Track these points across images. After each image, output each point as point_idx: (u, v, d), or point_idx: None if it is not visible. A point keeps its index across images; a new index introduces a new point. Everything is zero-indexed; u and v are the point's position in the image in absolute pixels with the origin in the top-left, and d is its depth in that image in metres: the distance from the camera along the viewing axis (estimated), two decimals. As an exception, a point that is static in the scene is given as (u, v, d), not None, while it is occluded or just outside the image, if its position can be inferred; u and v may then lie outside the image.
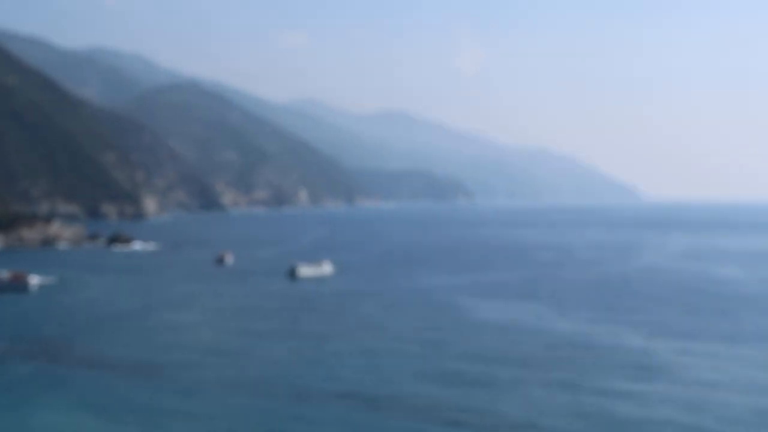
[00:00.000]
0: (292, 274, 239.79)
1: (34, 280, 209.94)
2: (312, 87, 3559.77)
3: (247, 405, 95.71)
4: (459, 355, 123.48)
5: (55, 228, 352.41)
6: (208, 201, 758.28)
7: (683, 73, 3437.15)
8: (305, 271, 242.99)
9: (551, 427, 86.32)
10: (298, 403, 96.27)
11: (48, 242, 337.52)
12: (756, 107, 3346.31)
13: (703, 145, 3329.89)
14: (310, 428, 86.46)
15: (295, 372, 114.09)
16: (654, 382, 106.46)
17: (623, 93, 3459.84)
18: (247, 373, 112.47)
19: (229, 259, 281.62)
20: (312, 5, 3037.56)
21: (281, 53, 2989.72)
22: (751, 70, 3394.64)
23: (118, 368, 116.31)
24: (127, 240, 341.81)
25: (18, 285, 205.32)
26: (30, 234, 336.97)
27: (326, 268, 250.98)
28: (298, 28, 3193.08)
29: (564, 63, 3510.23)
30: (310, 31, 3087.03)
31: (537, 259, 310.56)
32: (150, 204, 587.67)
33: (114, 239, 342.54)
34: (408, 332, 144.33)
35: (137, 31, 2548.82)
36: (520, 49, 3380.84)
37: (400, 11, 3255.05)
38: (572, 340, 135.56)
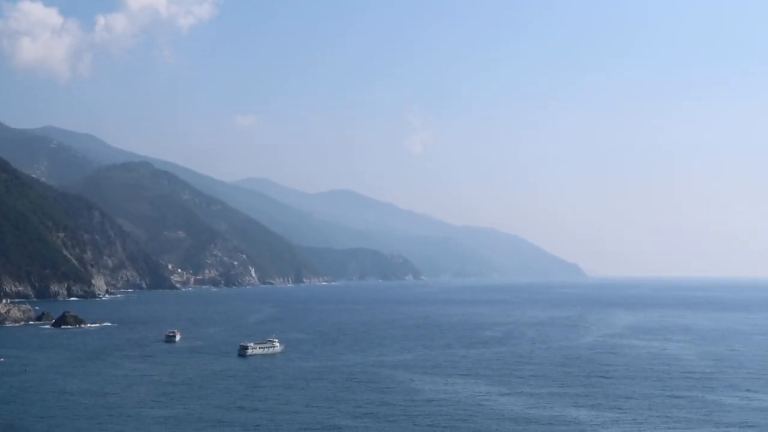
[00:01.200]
0: (241, 351, 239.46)
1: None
2: (262, 167, 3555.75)
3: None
4: (399, 430, 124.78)
5: (2, 308, 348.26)
6: (157, 280, 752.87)
7: (617, 156, 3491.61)
8: (255, 349, 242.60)
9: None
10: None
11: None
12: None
13: (641, 225, 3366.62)
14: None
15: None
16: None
17: (559, 178, 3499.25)
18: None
19: (179, 337, 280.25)
20: (261, 87, 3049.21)
21: (234, 134, 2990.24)
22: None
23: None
24: (76, 319, 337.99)
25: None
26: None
27: (276, 347, 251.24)
28: (249, 109, 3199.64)
29: (508, 147, 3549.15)
30: (260, 112, 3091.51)
31: (481, 335, 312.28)
32: (100, 283, 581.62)
33: (63, 319, 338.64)
34: (351, 407, 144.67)
35: (89, 110, 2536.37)
36: (467, 133, 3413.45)
37: (352, 93, 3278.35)
38: (514, 417, 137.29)
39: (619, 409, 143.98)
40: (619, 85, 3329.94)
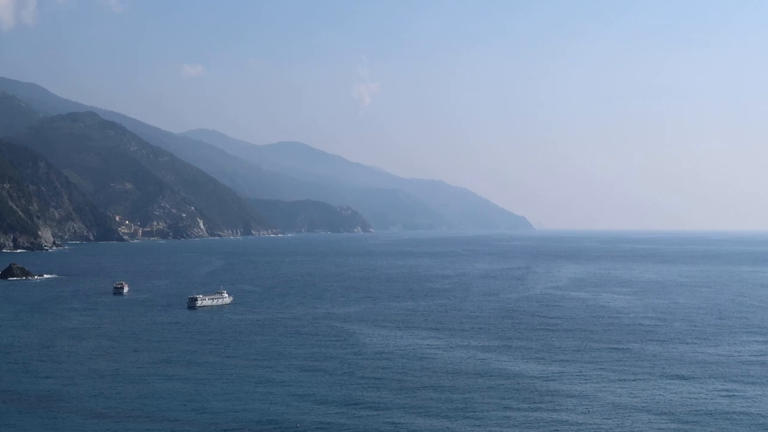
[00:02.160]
0: (191, 303, 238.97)
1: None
2: (211, 118, 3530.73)
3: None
4: (349, 383, 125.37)
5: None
6: (105, 231, 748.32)
7: (569, 106, 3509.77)
8: (204, 301, 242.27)
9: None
10: (200, 430, 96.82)
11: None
12: (637, 144, 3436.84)
13: (588, 180, 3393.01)
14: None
15: (197, 401, 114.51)
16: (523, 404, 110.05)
17: (514, 128, 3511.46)
18: (148, 402, 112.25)
19: (127, 289, 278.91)
20: (209, 36, 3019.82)
21: (180, 84, 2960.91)
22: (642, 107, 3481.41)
23: (15, 399, 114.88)
24: (23, 271, 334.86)
25: None
26: None
27: (225, 298, 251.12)
28: (196, 58, 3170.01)
29: (459, 97, 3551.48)
30: (208, 61, 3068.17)
31: (429, 286, 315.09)
32: (46, 234, 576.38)
33: (9, 271, 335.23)
34: (298, 360, 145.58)
35: (33, 59, 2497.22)
36: (414, 83, 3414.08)
37: (299, 45, 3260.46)
38: (462, 370, 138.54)
39: (565, 362, 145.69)
40: (547, 26, 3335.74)
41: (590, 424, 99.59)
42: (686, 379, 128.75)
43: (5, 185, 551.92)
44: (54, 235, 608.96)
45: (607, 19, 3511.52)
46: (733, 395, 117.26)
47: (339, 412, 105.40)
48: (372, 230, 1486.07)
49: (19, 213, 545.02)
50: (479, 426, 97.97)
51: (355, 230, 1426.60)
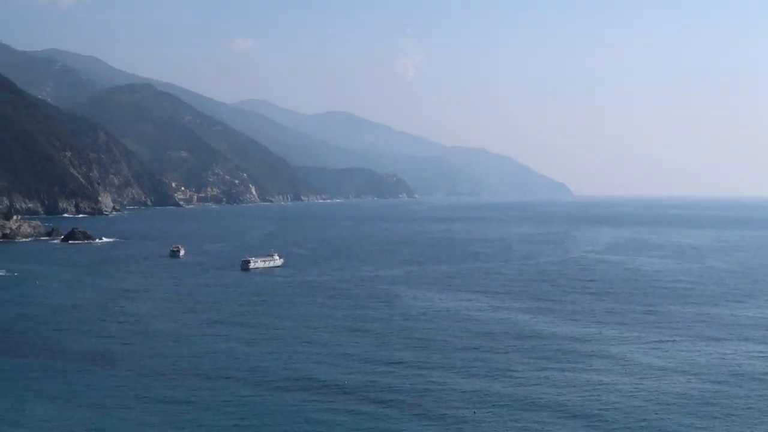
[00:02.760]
0: (244, 266, 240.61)
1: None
2: (261, 89, 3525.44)
3: (213, 390, 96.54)
4: (394, 343, 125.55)
5: (13, 223, 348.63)
6: (161, 197, 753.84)
7: (614, 80, 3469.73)
8: (256, 263, 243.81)
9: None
10: (252, 388, 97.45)
11: (7, 237, 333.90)
12: (679, 112, 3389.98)
13: (627, 147, 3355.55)
14: (264, 411, 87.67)
15: (255, 355, 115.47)
16: (559, 362, 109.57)
17: (555, 97, 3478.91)
18: (207, 360, 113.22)
19: (183, 252, 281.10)
20: (259, 11, 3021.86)
21: (231, 56, 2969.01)
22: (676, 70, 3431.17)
23: (80, 357, 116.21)
24: (84, 235, 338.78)
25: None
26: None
27: (276, 260, 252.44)
28: (247, 32, 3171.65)
29: (500, 67, 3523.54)
30: (258, 35, 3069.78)
31: (472, 250, 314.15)
32: (106, 200, 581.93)
33: (72, 234, 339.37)
34: (345, 321, 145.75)
35: (93, 33, 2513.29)
36: (456, 55, 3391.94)
37: (345, 17, 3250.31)
38: (496, 329, 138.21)
39: (603, 323, 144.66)
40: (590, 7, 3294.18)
41: (627, 384, 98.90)
42: (720, 341, 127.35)
43: (67, 153, 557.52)
44: (113, 201, 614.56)
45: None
46: (765, 357, 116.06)
47: (383, 371, 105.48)
48: (416, 196, 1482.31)
49: (81, 180, 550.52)
50: (519, 386, 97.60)
51: (400, 196, 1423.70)
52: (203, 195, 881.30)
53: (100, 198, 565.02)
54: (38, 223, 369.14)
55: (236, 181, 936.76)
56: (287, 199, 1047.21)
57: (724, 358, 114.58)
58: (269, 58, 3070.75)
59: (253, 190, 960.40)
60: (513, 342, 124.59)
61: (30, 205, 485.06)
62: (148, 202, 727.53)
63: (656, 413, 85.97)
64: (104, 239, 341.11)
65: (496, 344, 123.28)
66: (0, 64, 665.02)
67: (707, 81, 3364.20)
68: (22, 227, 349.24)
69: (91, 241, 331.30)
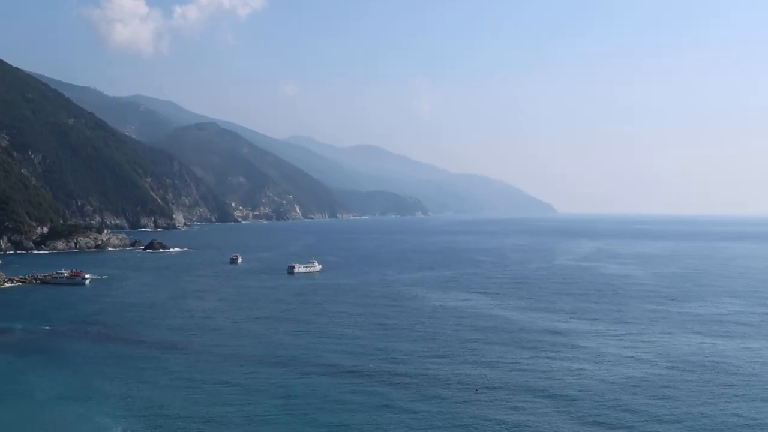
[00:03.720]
0: (290, 271, 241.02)
1: (88, 276, 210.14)
2: (304, 126, 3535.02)
3: (261, 374, 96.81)
4: (410, 336, 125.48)
5: (104, 236, 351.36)
6: (223, 215, 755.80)
7: (582, 113, 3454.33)
8: (300, 268, 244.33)
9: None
10: (293, 372, 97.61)
11: (99, 247, 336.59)
12: (646, 138, 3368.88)
13: (606, 171, 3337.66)
14: (302, 392, 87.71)
15: (300, 344, 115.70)
16: (536, 351, 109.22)
17: (538, 131, 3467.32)
18: (257, 349, 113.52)
19: (240, 260, 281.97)
20: (302, 62, 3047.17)
21: (281, 100, 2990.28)
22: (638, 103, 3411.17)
23: (153, 345, 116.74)
24: (161, 245, 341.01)
25: (75, 280, 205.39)
26: (85, 240, 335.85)
27: (316, 266, 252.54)
28: (293, 80, 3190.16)
29: (498, 108, 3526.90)
30: (302, 82, 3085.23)
31: (475, 258, 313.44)
32: (179, 217, 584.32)
33: (151, 245, 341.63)
34: (371, 318, 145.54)
35: (169, 81, 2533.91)
36: (464, 95, 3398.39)
37: (371, 66, 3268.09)
38: (496, 324, 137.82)
39: (582, 319, 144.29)
40: (589, 48, 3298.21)
41: (599, 370, 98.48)
42: (675, 334, 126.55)
43: (148, 179, 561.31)
44: (184, 218, 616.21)
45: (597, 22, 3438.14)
46: (712, 346, 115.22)
47: (400, 359, 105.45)
48: (430, 214, 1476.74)
49: (158, 201, 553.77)
50: (511, 371, 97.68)
51: (417, 214, 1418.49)
52: (257, 213, 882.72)
53: (174, 215, 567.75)
54: (124, 235, 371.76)
55: (284, 202, 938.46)
56: (325, 216, 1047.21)
57: (678, 348, 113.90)
58: (310, 101, 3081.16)
59: (297, 209, 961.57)
60: (506, 335, 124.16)
61: (117, 221, 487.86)
62: (213, 219, 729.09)
63: (624, 394, 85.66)
64: (177, 249, 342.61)
65: (492, 337, 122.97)
66: (94, 107, 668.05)
67: (678, 117, 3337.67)
68: (111, 239, 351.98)
69: (166, 251, 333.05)
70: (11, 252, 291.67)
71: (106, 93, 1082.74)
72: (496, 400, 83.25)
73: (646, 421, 75.27)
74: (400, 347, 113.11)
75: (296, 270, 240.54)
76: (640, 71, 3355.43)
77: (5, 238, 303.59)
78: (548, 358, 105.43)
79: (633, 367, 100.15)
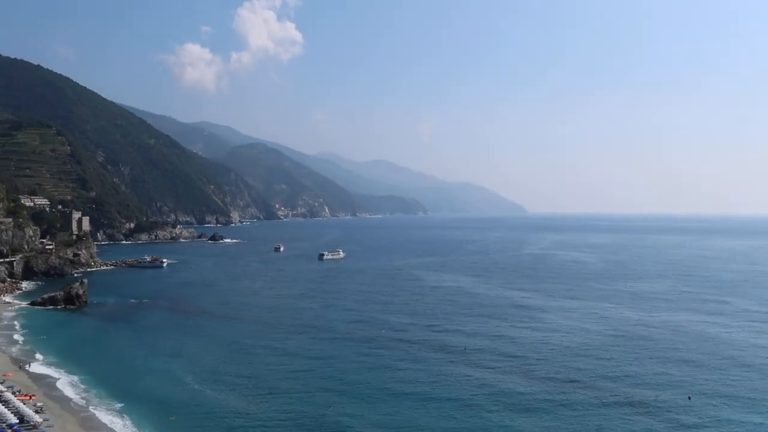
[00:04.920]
0: (320, 257, 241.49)
1: (165, 261, 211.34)
2: (331, 145, 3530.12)
3: (294, 339, 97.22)
4: (410, 309, 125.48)
5: (177, 230, 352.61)
6: (269, 214, 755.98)
7: (543, 137, 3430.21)
8: (328, 255, 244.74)
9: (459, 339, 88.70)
10: (324, 336, 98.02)
11: (173, 238, 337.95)
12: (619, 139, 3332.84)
13: (569, 178, 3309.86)
14: (330, 353, 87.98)
15: (328, 315, 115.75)
16: (510, 320, 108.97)
17: (510, 149, 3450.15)
18: (297, 317, 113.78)
19: (282, 248, 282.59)
20: (330, 94, 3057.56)
21: (313, 124, 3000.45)
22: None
23: (212, 315, 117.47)
24: (220, 237, 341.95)
25: (155, 264, 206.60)
26: (162, 233, 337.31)
27: (340, 254, 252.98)
28: (323, 108, 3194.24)
29: (479, 129, 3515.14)
30: (330, 110, 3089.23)
31: (464, 248, 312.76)
32: (235, 216, 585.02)
33: (213, 237, 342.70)
34: (388, 290, 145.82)
35: (228, 111, 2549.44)
36: (457, 121, 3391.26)
37: (384, 97, 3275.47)
38: (472, 299, 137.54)
39: (547, 294, 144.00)
40: (554, 81, 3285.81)
41: (557, 337, 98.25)
42: (619, 307, 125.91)
43: (211, 186, 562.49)
44: (239, 216, 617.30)
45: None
46: (649, 317, 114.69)
47: (405, 327, 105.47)
48: (429, 213, 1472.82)
49: (219, 203, 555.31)
50: (487, 338, 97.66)
51: (419, 213, 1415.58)
52: (295, 212, 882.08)
53: (230, 214, 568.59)
54: (192, 230, 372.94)
55: (316, 204, 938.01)
56: (348, 215, 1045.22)
57: (621, 319, 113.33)
58: (336, 126, 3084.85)
59: (326, 210, 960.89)
60: (485, 309, 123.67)
61: (187, 218, 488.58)
62: (261, 217, 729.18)
63: (577, 356, 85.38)
64: (233, 240, 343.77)
65: (473, 310, 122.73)
66: (170, 131, 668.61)
67: (601, 144, 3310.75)
68: (183, 232, 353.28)
69: (225, 241, 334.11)
70: (105, 242, 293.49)
71: (179, 119, 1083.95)
72: (477, 360, 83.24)
73: (592, 377, 75.00)
74: (405, 318, 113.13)
75: (325, 257, 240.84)
76: (583, 106, 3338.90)
77: (101, 231, 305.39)
78: (514, 327, 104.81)
79: (583, 335, 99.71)
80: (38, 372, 76.25)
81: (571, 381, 72.64)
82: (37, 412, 60.33)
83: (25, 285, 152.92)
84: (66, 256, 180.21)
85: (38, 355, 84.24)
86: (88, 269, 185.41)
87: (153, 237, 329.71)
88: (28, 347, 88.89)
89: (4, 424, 57.02)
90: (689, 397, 66.37)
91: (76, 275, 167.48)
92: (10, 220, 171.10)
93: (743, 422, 59.70)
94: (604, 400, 65.01)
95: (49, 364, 79.93)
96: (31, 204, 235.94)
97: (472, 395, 66.92)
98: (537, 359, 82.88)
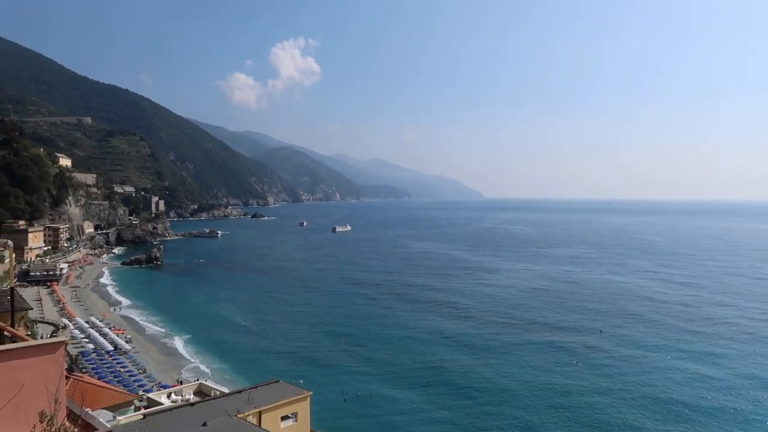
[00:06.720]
0: (333, 230, 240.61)
1: (220, 232, 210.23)
2: (342, 149, 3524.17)
3: (320, 285, 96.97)
4: (400, 268, 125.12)
5: (228, 210, 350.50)
6: (296, 198, 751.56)
7: (494, 141, 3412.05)
8: (339, 228, 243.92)
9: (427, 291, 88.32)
10: (339, 286, 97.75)
11: (225, 216, 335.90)
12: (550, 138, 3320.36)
13: (516, 168, 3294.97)
14: (342, 298, 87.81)
15: (339, 271, 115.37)
16: (473, 273, 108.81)
17: (469, 147, 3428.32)
18: (313, 273, 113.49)
19: (305, 223, 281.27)
20: (340, 109, 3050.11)
21: (328, 133, 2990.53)
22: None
23: (254, 271, 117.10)
24: (260, 215, 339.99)
25: (213, 235, 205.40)
26: (217, 213, 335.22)
27: (348, 227, 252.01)
28: (334, 121, 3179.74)
29: (453, 138, 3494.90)
30: (339, 122, 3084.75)
31: (438, 223, 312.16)
32: (270, 200, 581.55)
33: (255, 215, 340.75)
34: (382, 252, 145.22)
35: (266, 122, 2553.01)
36: (436, 130, 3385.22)
37: (379, 111, 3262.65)
38: (453, 260, 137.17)
39: (498, 257, 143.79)
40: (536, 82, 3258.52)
41: (501, 285, 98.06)
42: (553, 264, 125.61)
43: (253, 178, 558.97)
44: (273, 200, 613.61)
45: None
46: (578, 272, 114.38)
47: (395, 280, 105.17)
48: (413, 198, 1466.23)
49: (259, 190, 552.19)
50: (450, 291, 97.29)
51: (405, 198, 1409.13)
52: (315, 197, 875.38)
53: (267, 198, 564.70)
54: (239, 210, 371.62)
55: (330, 191, 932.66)
56: (353, 199, 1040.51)
57: (553, 273, 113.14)
58: (344, 133, 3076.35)
59: (338, 195, 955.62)
60: (451, 270, 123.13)
61: (236, 201, 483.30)
62: (289, 201, 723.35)
63: (519, 300, 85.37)
64: (269, 217, 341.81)
65: (445, 270, 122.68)
66: (223, 137, 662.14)
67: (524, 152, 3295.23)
68: (232, 212, 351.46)
69: (263, 219, 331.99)
70: (176, 219, 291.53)
71: (230, 129, 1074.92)
72: (443, 304, 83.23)
73: (533, 317, 75.09)
74: (396, 273, 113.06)
75: (337, 229, 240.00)
76: (517, 121, 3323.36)
77: (173, 211, 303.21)
78: (475, 280, 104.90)
79: (524, 285, 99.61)
80: (127, 313, 76.05)
81: (518, 318, 72.65)
82: (126, 342, 60.33)
83: (117, 250, 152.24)
84: (147, 229, 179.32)
85: (127, 300, 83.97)
86: (164, 238, 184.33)
87: (210, 215, 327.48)
88: (119, 295, 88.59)
89: (103, 351, 57.11)
90: (601, 331, 66.63)
91: (154, 243, 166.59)
92: (106, 202, 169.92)
93: (644, 344, 59.91)
94: (535, 339, 64.75)
95: (135, 307, 79.75)
96: (122, 191, 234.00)
97: (428, 335, 66.59)
98: (490, 302, 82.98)
